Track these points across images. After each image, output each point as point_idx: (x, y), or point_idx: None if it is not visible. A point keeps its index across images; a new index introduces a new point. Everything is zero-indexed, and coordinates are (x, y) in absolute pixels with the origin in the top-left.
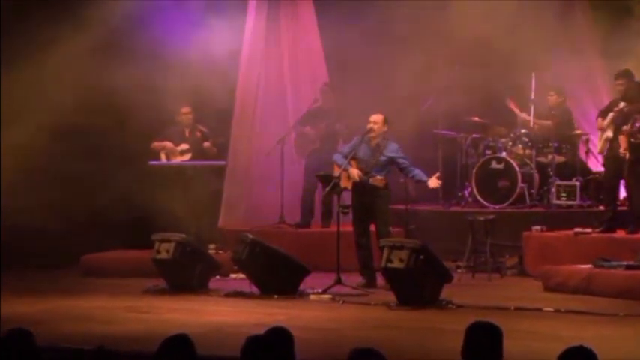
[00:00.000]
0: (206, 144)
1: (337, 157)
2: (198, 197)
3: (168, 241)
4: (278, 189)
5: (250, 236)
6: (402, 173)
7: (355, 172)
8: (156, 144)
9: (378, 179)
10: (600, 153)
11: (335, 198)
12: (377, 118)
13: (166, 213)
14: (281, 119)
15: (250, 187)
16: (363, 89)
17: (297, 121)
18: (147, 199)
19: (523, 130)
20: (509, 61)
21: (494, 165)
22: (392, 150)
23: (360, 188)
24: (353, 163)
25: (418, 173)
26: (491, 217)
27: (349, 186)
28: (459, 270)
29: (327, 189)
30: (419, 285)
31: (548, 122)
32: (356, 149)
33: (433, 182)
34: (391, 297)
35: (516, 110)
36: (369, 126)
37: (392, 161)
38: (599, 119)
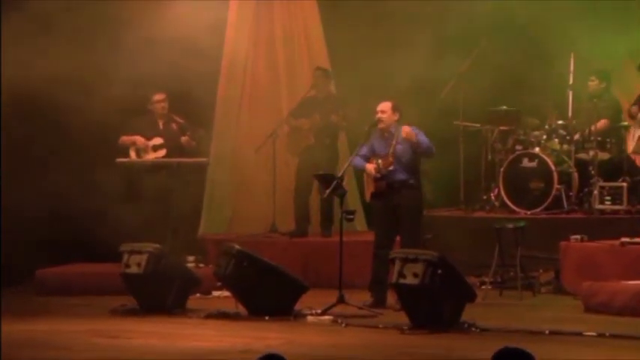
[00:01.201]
0: (184, 138)
1: (358, 161)
2: (174, 201)
3: (140, 252)
4: (269, 191)
5: (236, 247)
6: (418, 154)
7: (371, 167)
8: (124, 138)
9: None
10: (635, 153)
11: (336, 202)
12: (385, 106)
13: (137, 219)
14: (273, 110)
15: (236, 189)
16: (370, 76)
17: (289, 112)
18: (114, 203)
19: (560, 122)
20: (543, 39)
21: (525, 163)
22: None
23: (384, 189)
24: (371, 159)
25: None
26: (522, 224)
27: (372, 189)
28: (483, 287)
29: (328, 191)
30: (436, 305)
31: (603, 121)
32: (372, 144)
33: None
34: (404, 319)
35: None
36: (377, 116)
37: (410, 146)
38: (635, 107)
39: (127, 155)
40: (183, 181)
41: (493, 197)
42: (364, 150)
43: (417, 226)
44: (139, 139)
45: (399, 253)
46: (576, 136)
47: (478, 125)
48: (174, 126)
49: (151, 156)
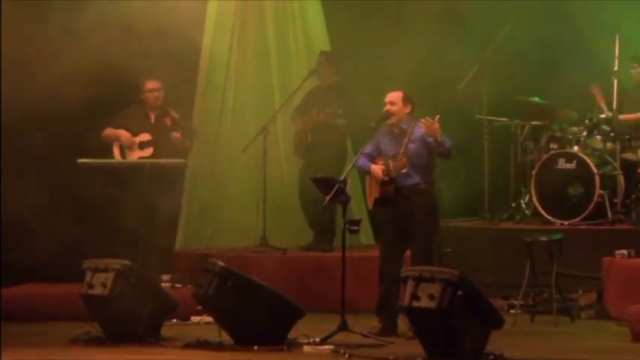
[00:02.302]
0: (175, 134)
1: (362, 161)
2: (146, 209)
3: (105, 270)
4: (259, 198)
5: (220, 264)
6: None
7: (377, 168)
8: (108, 132)
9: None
10: None
11: (339, 211)
12: (394, 96)
13: (103, 231)
14: (263, 103)
15: (220, 195)
16: (376, 62)
17: (295, 109)
18: (77, 211)
19: (603, 115)
20: (580, 19)
21: (562, 164)
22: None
23: (391, 195)
24: (378, 159)
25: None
26: (559, 237)
27: (377, 194)
28: (512, 311)
29: (328, 197)
30: (456, 332)
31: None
32: (378, 142)
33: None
34: (418, 349)
35: (600, 102)
36: (386, 109)
37: (426, 145)
38: None
39: (110, 152)
40: (157, 186)
41: (523, 205)
42: (369, 148)
43: (431, 239)
44: (124, 134)
45: (411, 271)
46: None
47: (505, 120)
48: (167, 121)
49: (136, 154)
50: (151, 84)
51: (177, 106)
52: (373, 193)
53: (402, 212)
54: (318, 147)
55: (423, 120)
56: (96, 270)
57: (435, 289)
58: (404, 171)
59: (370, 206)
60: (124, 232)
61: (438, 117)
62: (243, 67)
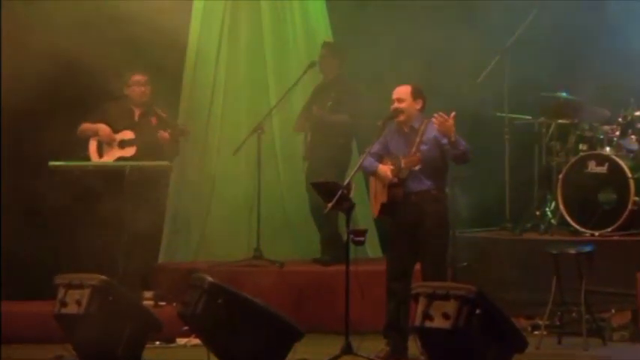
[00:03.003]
0: (162, 133)
1: (369, 162)
2: (126, 218)
3: (80, 286)
4: (252, 205)
5: (208, 279)
6: (449, 158)
7: (385, 169)
8: (85, 126)
9: (413, 159)
10: None
11: (342, 219)
12: (403, 91)
13: (78, 242)
14: (257, 99)
15: (208, 202)
16: (384, 55)
17: (303, 109)
18: (48, 220)
19: (638, 113)
20: (617, 3)
21: (592, 167)
22: (435, 129)
23: (400, 200)
24: (386, 160)
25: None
26: (588, 249)
27: (384, 199)
28: (537, 332)
29: (330, 204)
30: (473, 356)
31: None
32: (387, 142)
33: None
34: None
35: None
36: (394, 106)
37: (439, 146)
38: None
39: (85, 149)
40: (138, 191)
41: (549, 213)
42: (377, 147)
43: (444, 251)
44: (103, 129)
45: (423, 287)
46: None
47: (529, 118)
48: (153, 120)
49: (115, 153)
50: (137, 77)
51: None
52: (379, 197)
53: (411, 221)
54: (317, 147)
55: (436, 115)
56: (70, 286)
57: (450, 307)
58: (417, 167)
59: (375, 213)
60: (101, 243)
61: (453, 114)
62: (234, 59)
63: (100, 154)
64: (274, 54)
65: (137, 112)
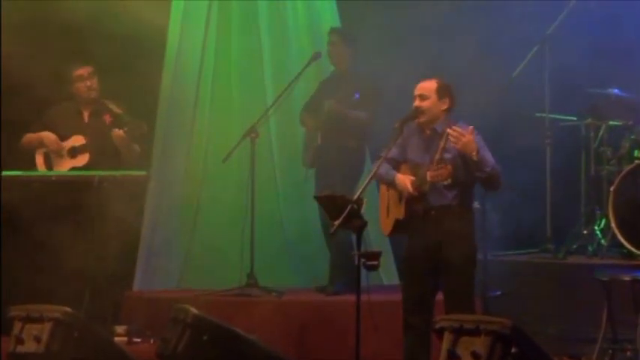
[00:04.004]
0: (116, 132)
1: (386, 170)
2: (94, 238)
3: (40, 320)
4: (245, 223)
5: (192, 311)
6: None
7: (405, 179)
8: (28, 137)
9: (443, 172)
10: None
11: (352, 239)
12: (427, 87)
13: (37, 268)
14: (251, 97)
15: (192, 220)
16: (401, 46)
17: (303, 107)
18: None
19: None
20: None
21: None
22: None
23: (420, 217)
24: (405, 167)
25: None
26: None
27: (401, 215)
28: None
29: (337, 222)
30: None
31: None
32: (406, 143)
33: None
34: None
35: None
36: (415, 105)
37: (465, 157)
38: None
39: (32, 162)
40: (109, 206)
41: (598, 232)
42: (394, 152)
43: (471, 278)
44: (49, 138)
45: (448, 320)
46: None
47: (574, 119)
48: (106, 118)
49: (66, 164)
50: (80, 70)
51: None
52: (393, 212)
53: (431, 242)
54: (329, 151)
55: (450, 130)
56: (27, 319)
57: (481, 344)
58: (447, 182)
59: (386, 231)
60: (64, 269)
61: (471, 128)
62: (224, 51)
63: (49, 167)
64: (272, 45)
65: (86, 113)
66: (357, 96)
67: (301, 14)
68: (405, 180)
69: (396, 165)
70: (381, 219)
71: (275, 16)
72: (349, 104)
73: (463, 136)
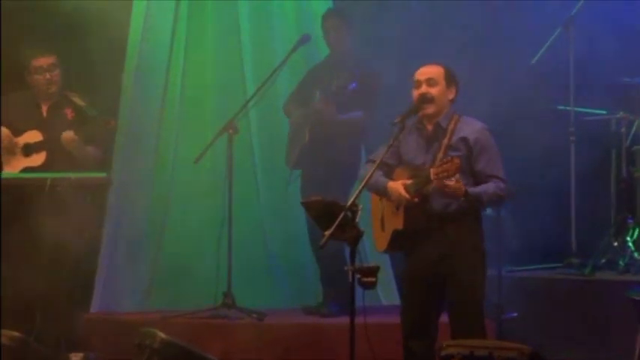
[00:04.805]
0: (67, 135)
1: (375, 178)
2: (47, 251)
3: None
4: (220, 234)
5: (160, 336)
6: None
7: (399, 187)
8: None
9: (453, 185)
10: None
11: (345, 252)
12: (435, 71)
13: None
14: (229, 88)
15: (159, 231)
16: (404, 30)
17: (289, 97)
18: None
19: None
20: None
21: None
22: (473, 131)
23: (422, 227)
24: (400, 171)
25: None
26: None
27: (400, 225)
28: None
29: (328, 232)
30: None
31: None
32: (398, 143)
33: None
34: None
35: None
36: (420, 91)
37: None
38: None
39: None
40: (63, 214)
41: (630, 244)
42: (385, 154)
43: (479, 296)
44: (3, 133)
45: (457, 346)
46: None
47: (603, 113)
48: (68, 113)
49: (19, 162)
50: (40, 60)
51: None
52: (390, 223)
53: (434, 255)
54: (318, 150)
55: (433, 169)
56: None
57: None
58: (453, 180)
59: (382, 247)
60: (11, 286)
61: (480, 127)
62: (197, 36)
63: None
64: (252, 26)
65: (45, 106)
66: (354, 85)
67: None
68: (397, 187)
69: (389, 170)
70: (374, 233)
71: (261, 14)
72: (344, 96)
73: (447, 187)
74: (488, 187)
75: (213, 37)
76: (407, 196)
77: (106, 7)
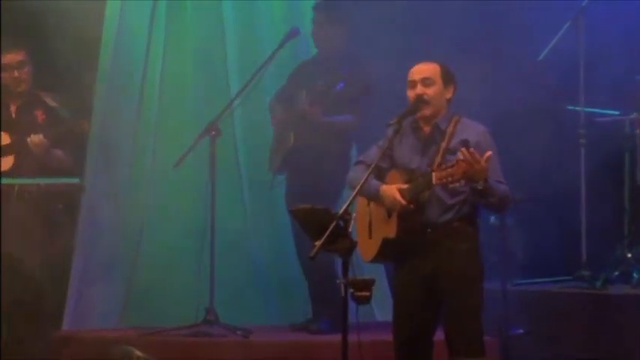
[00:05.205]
0: (34, 139)
1: (356, 172)
2: (13, 262)
3: None
4: (202, 244)
5: (137, 354)
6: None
7: (394, 191)
8: None
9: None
10: None
11: (337, 265)
12: (431, 69)
13: None
14: (211, 88)
15: (137, 240)
16: (399, 27)
17: (275, 95)
18: None
19: None
20: None
21: None
22: (474, 134)
23: (414, 233)
24: (395, 174)
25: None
26: None
27: (392, 233)
28: None
29: (319, 242)
30: None
31: None
32: (392, 146)
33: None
34: None
35: None
36: (417, 91)
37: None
38: None
39: None
40: (32, 223)
41: None
42: (377, 157)
43: (477, 312)
44: None
45: None
46: None
47: (616, 113)
48: (39, 114)
49: None
50: (7, 56)
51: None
52: (379, 231)
53: (427, 269)
54: (305, 154)
55: (461, 154)
56: None
57: None
58: (460, 184)
59: (368, 256)
60: None
61: (489, 153)
62: (177, 36)
63: None
64: (236, 19)
65: (13, 106)
66: (341, 86)
67: None
68: (392, 191)
69: (380, 173)
70: (359, 241)
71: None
72: (330, 97)
73: (477, 163)
74: (499, 185)
75: (195, 37)
76: (402, 201)
77: (77, 6)
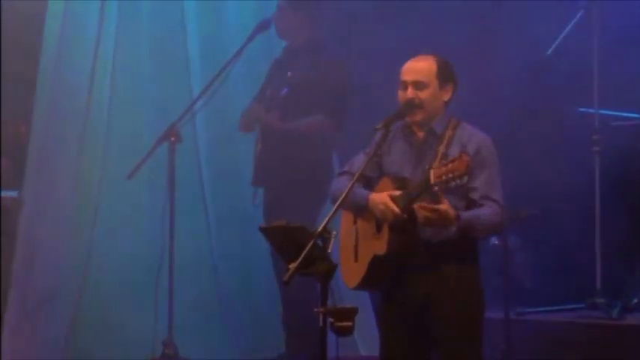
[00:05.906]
0: None
1: (340, 184)
2: None
3: None
4: (159, 272)
5: None
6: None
7: (385, 199)
8: None
9: (443, 208)
10: None
11: (316, 288)
12: (424, 67)
13: None
14: (171, 85)
15: (84, 263)
16: (394, 19)
17: (256, 96)
18: None
19: None
20: None
21: None
22: (474, 140)
23: (403, 255)
24: (386, 182)
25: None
26: None
27: (382, 249)
28: None
29: (294, 265)
30: None
31: None
32: (382, 152)
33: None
34: None
35: None
36: (407, 94)
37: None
38: None
39: None
40: None
41: None
42: (364, 165)
43: (476, 344)
44: None
45: None
46: None
47: (635, 117)
48: None
49: None
50: None
51: None
52: (368, 249)
53: (419, 299)
54: (275, 164)
55: (435, 170)
56: None
57: None
58: (463, 181)
59: (353, 281)
60: None
61: (482, 137)
62: (130, 37)
63: None
64: (202, 28)
65: None
66: (285, 91)
67: None
68: (383, 199)
69: (367, 184)
70: (343, 265)
71: None
72: (278, 103)
73: (436, 212)
74: (482, 212)
75: (151, 38)
76: (395, 209)
77: (17, 6)
